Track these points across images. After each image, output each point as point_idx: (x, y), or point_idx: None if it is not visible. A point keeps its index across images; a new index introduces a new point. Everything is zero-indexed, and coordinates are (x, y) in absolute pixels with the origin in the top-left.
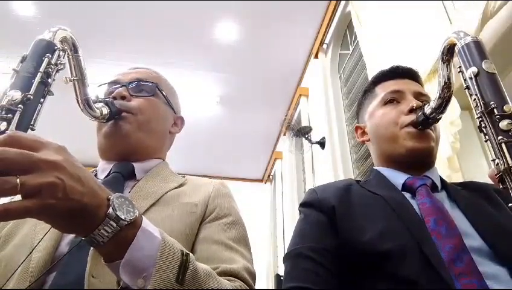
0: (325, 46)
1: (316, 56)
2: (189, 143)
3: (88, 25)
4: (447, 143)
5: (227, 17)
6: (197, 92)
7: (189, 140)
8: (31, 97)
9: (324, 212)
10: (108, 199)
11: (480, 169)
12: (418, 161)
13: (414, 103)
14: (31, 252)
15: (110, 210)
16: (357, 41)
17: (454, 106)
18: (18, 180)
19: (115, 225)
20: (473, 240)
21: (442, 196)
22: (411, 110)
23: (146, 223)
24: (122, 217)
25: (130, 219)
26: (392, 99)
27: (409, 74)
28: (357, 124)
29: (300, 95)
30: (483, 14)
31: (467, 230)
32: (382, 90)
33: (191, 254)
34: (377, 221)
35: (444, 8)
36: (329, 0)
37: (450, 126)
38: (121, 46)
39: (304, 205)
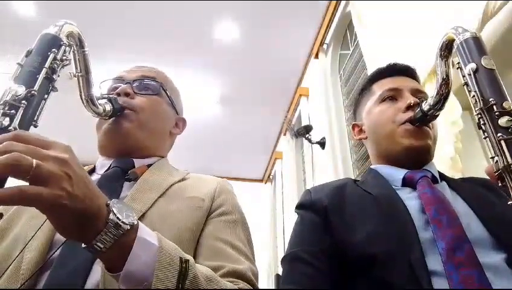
0: (325, 46)
1: (316, 56)
2: (189, 143)
3: (88, 25)
4: (450, 143)
5: (227, 17)
6: (197, 92)
7: (189, 140)
8: (35, 93)
9: (318, 213)
10: (108, 205)
11: (481, 169)
12: (415, 158)
13: (412, 100)
14: (21, 251)
15: (112, 215)
16: (357, 41)
17: (455, 106)
18: (34, 161)
19: (116, 230)
20: (475, 229)
21: (443, 187)
22: (408, 108)
23: (142, 230)
24: (126, 221)
25: (131, 223)
26: (390, 97)
27: (406, 71)
28: (354, 122)
29: (300, 95)
30: (483, 14)
31: (470, 219)
32: (379, 88)
33: (190, 260)
34: (367, 223)
35: (444, 8)
36: (329, 0)
37: (452, 126)
38: (121, 46)
39: (298, 206)
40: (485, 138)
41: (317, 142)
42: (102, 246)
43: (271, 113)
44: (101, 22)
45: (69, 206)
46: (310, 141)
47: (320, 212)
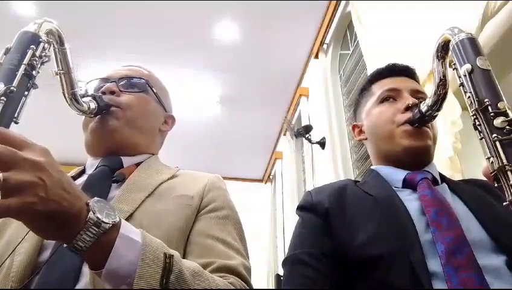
0: (325, 46)
1: (316, 56)
2: (189, 143)
3: (88, 25)
4: (448, 143)
5: (227, 17)
6: (197, 92)
7: (189, 140)
8: (14, 89)
9: (319, 215)
10: (87, 204)
11: (481, 169)
12: (415, 159)
13: (410, 100)
14: (10, 254)
15: (91, 214)
16: (357, 41)
17: (455, 106)
18: (1, 175)
19: (96, 229)
20: (475, 232)
21: (443, 189)
22: (407, 108)
23: (125, 227)
24: (105, 220)
25: (113, 222)
26: (389, 97)
27: (406, 72)
28: (354, 123)
29: (300, 95)
30: (483, 14)
31: (469, 221)
32: (379, 89)
33: (175, 255)
34: (368, 224)
35: (444, 7)
36: (330, 0)
37: (451, 126)
38: (121, 46)
39: (299, 208)
40: (480, 139)
41: (317, 142)
42: (82, 245)
43: (271, 113)
44: (101, 22)
45: (42, 211)
46: (310, 141)
47: (321, 214)
